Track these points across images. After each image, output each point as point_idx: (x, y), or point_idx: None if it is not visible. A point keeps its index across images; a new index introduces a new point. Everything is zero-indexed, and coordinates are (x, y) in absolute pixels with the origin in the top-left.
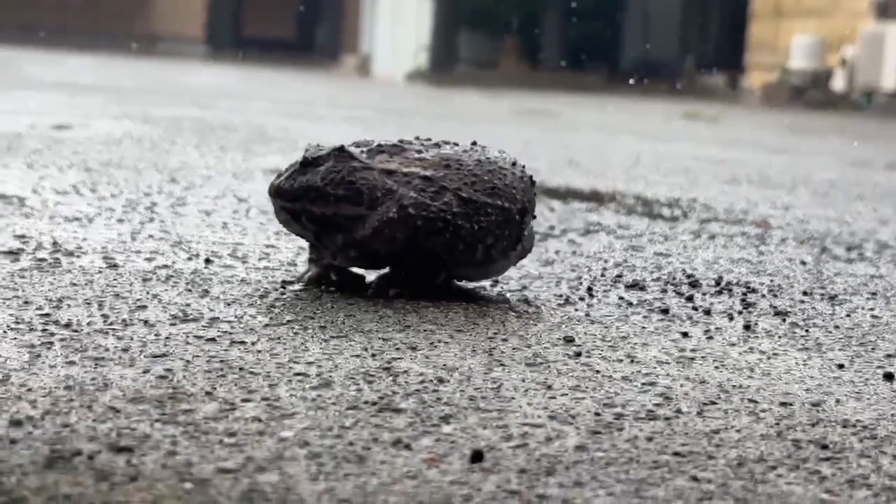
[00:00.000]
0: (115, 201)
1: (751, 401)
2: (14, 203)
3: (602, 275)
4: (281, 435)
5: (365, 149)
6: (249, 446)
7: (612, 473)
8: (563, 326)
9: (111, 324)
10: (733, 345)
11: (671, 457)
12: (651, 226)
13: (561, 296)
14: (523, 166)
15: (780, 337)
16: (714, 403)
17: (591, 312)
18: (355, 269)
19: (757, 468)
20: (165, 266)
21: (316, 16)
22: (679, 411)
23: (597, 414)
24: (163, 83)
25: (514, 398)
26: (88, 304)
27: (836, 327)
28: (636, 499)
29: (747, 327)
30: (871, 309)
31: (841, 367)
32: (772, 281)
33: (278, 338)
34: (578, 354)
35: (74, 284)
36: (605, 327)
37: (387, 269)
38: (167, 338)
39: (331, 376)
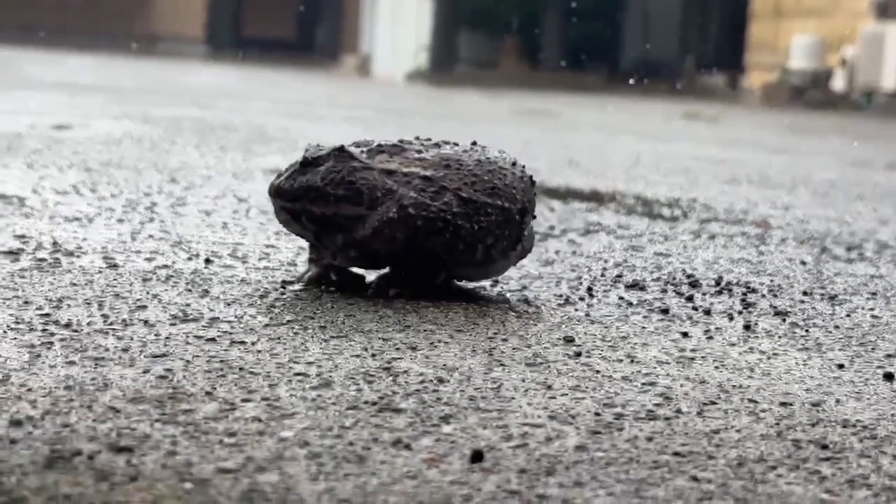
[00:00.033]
0: (115, 201)
1: (751, 401)
2: (14, 203)
3: (602, 275)
4: (281, 435)
5: (365, 149)
6: (249, 446)
7: (612, 473)
8: (563, 326)
9: (111, 324)
10: (733, 345)
11: (671, 457)
12: (651, 226)
13: (561, 296)
14: (523, 166)
15: (780, 337)
16: (714, 403)
17: (591, 312)
18: (355, 269)
19: (757, 468)
20: (165, 266)
21: (316, 16)
22: (679, 411)
23: (597, 414)
24: (163, 83)
25: (514, 398)
26: (88, 304)
27: (836, 327)
28: (636, 499)
29: (747, 327)
30: (871, 309)
31: (841, 367)
32: (772, 281)
33: (278, 338)
34: (578, 354)
35: (74, 284)
36: (605, 327)
37: (387, 269)
38: (167, 338)
39: (331, 376)
